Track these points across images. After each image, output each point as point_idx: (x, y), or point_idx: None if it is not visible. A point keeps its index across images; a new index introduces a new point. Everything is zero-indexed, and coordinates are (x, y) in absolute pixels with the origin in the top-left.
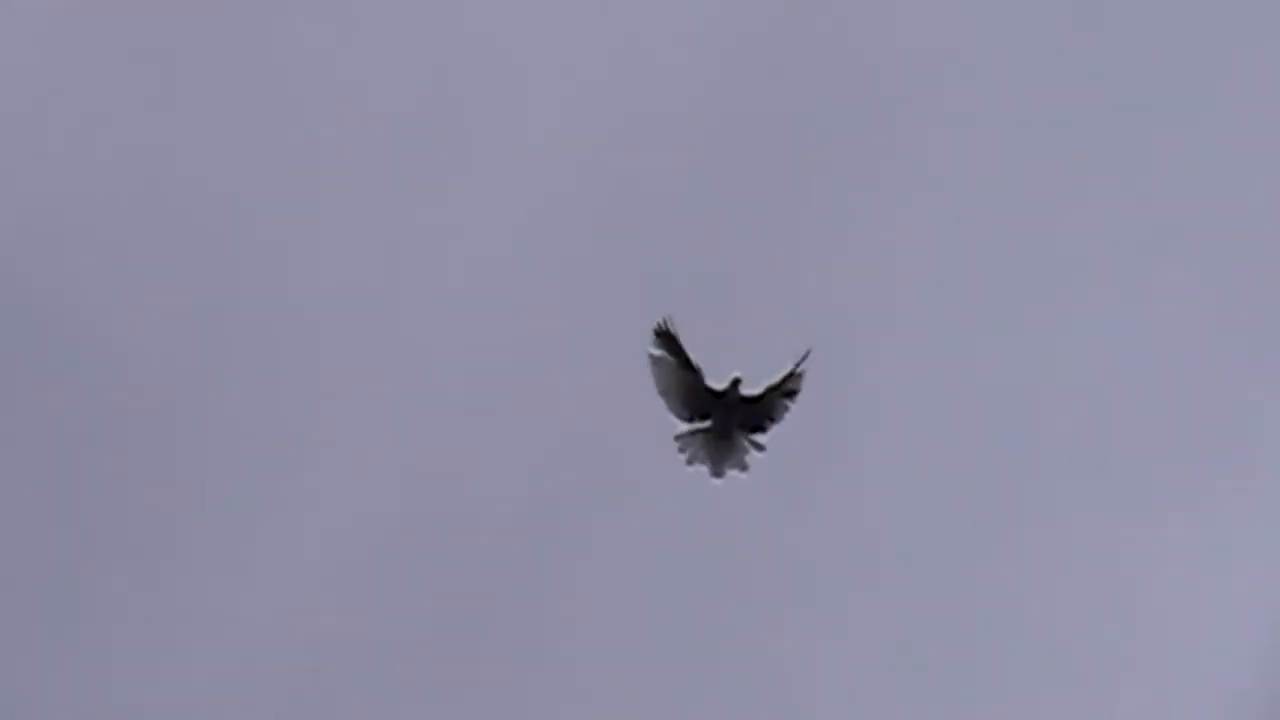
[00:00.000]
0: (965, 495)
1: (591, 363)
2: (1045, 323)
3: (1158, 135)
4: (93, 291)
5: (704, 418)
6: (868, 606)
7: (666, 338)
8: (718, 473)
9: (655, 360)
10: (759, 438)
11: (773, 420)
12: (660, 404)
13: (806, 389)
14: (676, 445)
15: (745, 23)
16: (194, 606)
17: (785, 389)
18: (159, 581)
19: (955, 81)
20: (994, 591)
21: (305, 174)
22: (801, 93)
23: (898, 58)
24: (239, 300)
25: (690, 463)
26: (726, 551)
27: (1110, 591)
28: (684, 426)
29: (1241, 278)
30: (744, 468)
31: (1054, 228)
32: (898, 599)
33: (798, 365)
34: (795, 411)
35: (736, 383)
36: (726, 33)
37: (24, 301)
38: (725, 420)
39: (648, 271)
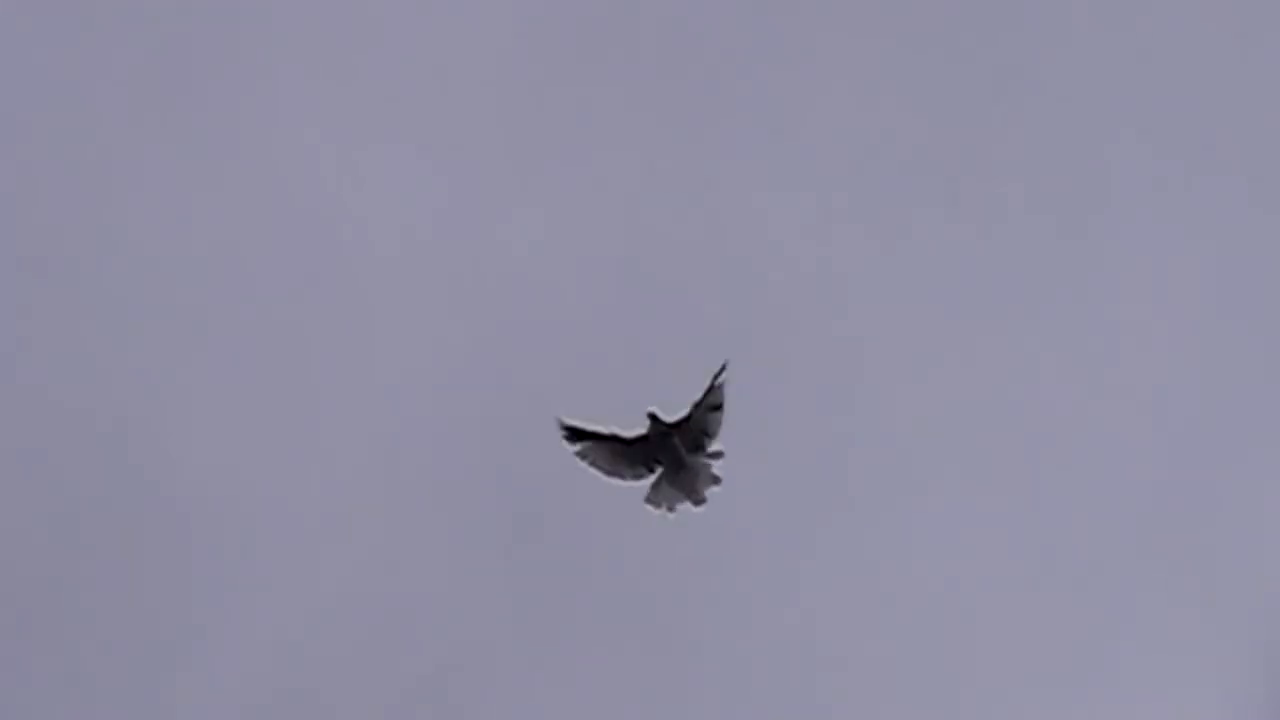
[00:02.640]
0: None
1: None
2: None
3: (1033, 349)
4: None
5: (652, 467)
6: None
7: (572, 432)
8: (698, 500)
9: (582, 455)
10: (713, 448)
11: (709, 435)
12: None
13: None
14: (649, 505)
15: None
16: None
17: (709, 403)
18: None
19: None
20: None
21: (160, 379)
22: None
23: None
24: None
25: (671, 512)
26: None
27: None
28: (644, 485)
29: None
30: (717, 481)
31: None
32: None
33: (715, 379)
34: None
35: (653, 418)
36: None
37: None
38: (670, 455)
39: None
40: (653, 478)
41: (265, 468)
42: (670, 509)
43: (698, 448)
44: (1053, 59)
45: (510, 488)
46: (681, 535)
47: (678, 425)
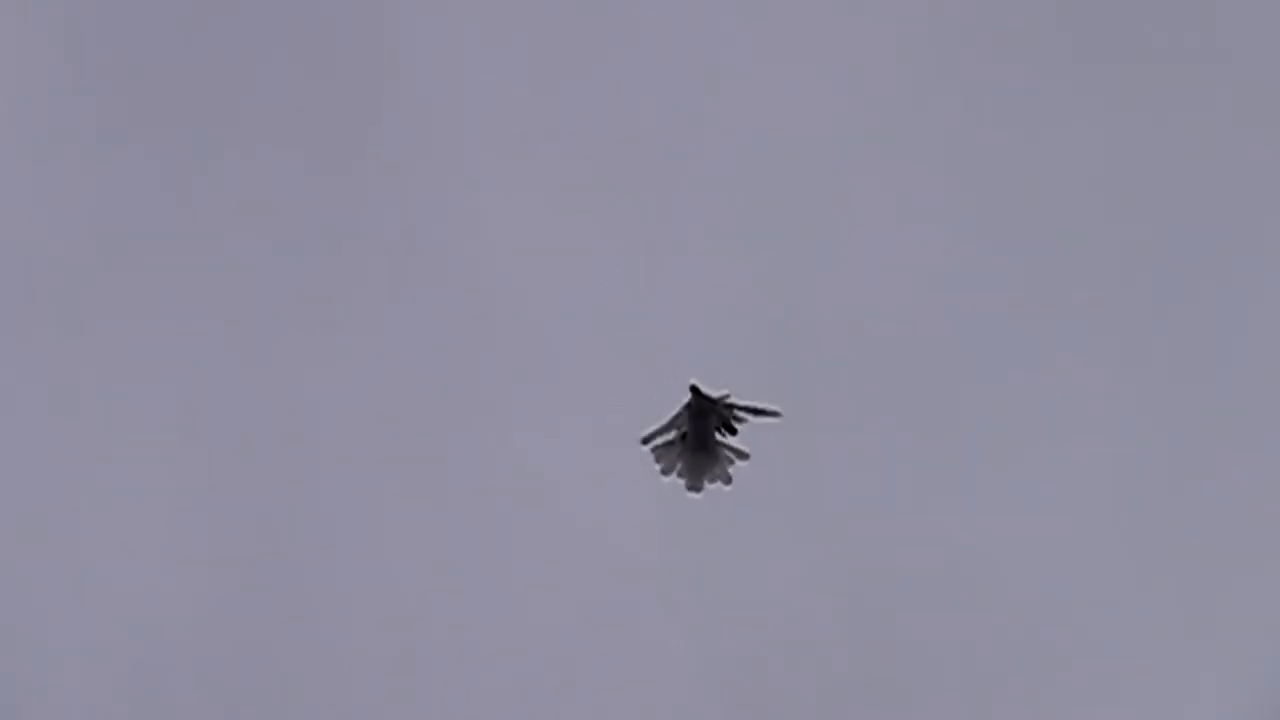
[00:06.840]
0: None
1: None
2: None
3: None
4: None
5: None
6: None
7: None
8: (695, 486)
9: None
10: (740, 446)
11: (730, 430)
12: None
13: None
14: (651, 455)
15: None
16: None
17: (735, 412)
18: None
19: None
20: None
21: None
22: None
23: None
24: None
25: (665, 474)
26: None
27: None
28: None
29: None
30: (727, 480)
31: None
32: None
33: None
34: None
35: (695, 390)
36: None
37: None
38: (698, 430)
39: None
40: (666, 436)
41: None
42: (665, 472)
43: (727, 430)
44: None
45: None
46: None
47: (714, 403)
